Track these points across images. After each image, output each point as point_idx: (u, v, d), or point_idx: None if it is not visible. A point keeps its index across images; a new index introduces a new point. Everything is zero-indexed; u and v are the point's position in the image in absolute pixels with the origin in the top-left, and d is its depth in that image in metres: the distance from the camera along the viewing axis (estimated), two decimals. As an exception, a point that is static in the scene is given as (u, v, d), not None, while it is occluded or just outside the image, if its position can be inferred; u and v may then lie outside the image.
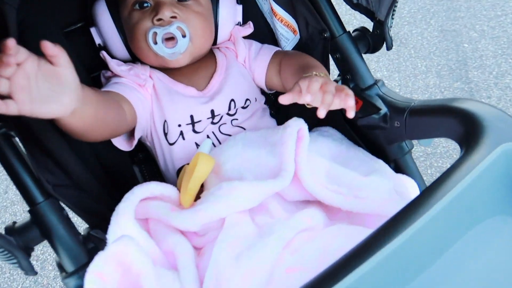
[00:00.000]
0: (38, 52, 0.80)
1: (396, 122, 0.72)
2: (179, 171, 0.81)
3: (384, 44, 0.78)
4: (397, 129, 0.73)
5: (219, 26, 0.87)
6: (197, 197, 0.72)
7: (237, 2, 0.90)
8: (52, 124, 0.72)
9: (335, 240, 0.61)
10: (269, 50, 0.89)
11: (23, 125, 0.65)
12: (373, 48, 0.80)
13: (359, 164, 0.75)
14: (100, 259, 0.53)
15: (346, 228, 0.63)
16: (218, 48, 0.91)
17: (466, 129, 0.58)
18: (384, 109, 0.75)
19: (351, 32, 0.82)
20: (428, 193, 0.48)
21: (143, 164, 0.92)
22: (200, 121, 0.80)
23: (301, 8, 0.83)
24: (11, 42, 0.46)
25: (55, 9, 0.84)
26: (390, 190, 0.69)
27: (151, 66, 0.84)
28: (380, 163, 0.76)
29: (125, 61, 0.86)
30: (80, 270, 0.61)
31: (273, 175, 0.67)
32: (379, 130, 0.77)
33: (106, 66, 0.89)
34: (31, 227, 0.62)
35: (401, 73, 1.96)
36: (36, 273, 0.61)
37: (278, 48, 0.90)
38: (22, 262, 0.58)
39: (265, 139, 0.74)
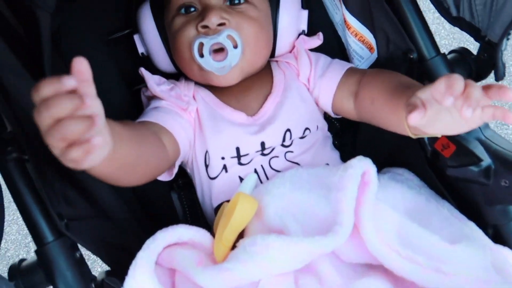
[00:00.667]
0: (75, 55, 0.74)
1: (504, 181, 0.54)
2: (218, 208, 0.69)
3: (493, 72, 0.60)
4: (505, 189, 0.55)
5: (278, 35, 0.73)
6: (234, 245, 0.60)
7: (302, 7, 0.76)
8: None
9: None
10: (340, 66, 0.73)
11: (40, 147, 0.57)
12: (477, 76, 0.62)
13: (443, 224, 0.60)
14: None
15: None
16: (276, 61, 0.77)
17: None
18: (487, 161, 0.57)
19: (446, 54, 0.64)
20: None
21: (183, 191, 0.82)
22: (247, 154, 0.67)
23: (382, 21, 0.67)
24: None
25: (98, 14, 0.77)
26: (487, 267, 0.54)
27: (196, 82, 0.73)
28: (473, 227, 0.60)
29: (169, 74, 0.76)
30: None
31: (324, 228, 0.54)
32: (476, 185, 0.59)
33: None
34: (36, 270, 0.53)
35: None
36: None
37: (351, 65, 0.74)
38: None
39: (320, 179, 0.60)
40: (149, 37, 0.73)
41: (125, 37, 0.78)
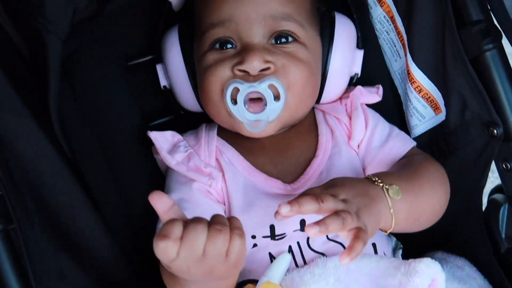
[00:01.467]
0: (86, 91, 0.63)
1: None
2: (240, 285, 0.58)
3: None
4: None
5: (327, 79, 0.61)
6: None
7: (357, 46, 0.64)
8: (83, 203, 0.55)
9: None
10: (403, 142, 0.61)
11: (35, 215, 0.48)
12: None
13: None
14: None
15: None
16: (322, 112, 0.64)
17: None
18: None
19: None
20: None
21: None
22: (283, 234, 0.55)
23: (461, 84, 0.55)
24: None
25: (117, 36, 0.66)
26: None
27: (219, 132, 0.62)
28: None
29: (193, 113, 0.66)
30: None
31: None
32: None
33: (168, 114, 0.69)
34: None
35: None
36: None
37: (414, 143, 0.61)
38: None
39: (374, 279, 0.49)
40: (174, 70, 0.62)
41: (147, 64, 0.67)
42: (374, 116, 0.62)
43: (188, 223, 0.39)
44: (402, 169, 0.56)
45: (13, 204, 0.47)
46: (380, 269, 0.50)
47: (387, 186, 0.49)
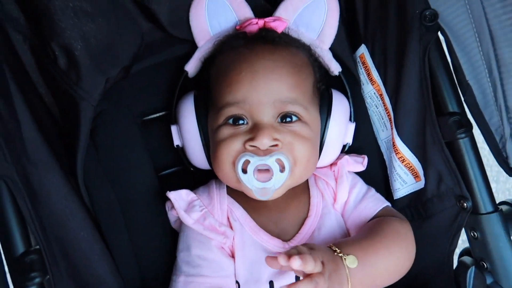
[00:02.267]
0: (108, 150, 0.69)
1: None
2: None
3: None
4: None
5: (324, 148, 0.69)
6: None
7: (350, 119, 0.73)
8: (101, 252, 0.60)
9: None
10: (375, 202, 0.68)
11: (68, 257, 0.53)
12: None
13: None
14: None
15: None
16: (315, 177, 0.72)
17: None
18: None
19: (501, 207, 0.62)
20: None
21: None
22: None
23: (437, 160, 0.64)
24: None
25: (136, 96, 0.73)
26: None
27: (228, 190, 0.68)
28: None
29: (201, 170, 0.72)
30: None
31: None
32: None
33: (178, 163, 0.76)
34: None
35: None
36: None
37: (387, 204, 0.69)
38: None
39: None
40: (188, 134, 0.68)
41: (160, 119, 0.74)
42: (354, 178, 0.70)
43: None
44: (365, 234, 0.63)
45: (48, 256, 0.51)
46: None
47: (345, 257, 0.56)
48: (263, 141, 0.60)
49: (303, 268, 0.50)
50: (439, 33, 0.63)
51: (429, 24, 0.62)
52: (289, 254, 0.50)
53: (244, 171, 0.61)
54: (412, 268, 0.64)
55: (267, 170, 0.61)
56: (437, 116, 0.63)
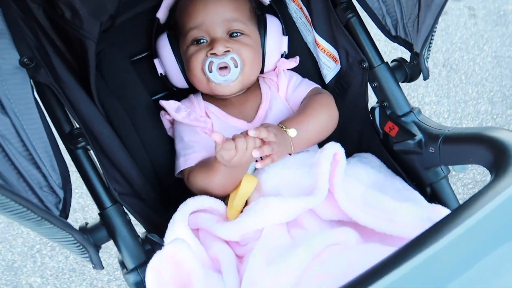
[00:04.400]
0: (110, 76, 0.94)
1: (431, 148, 0.76)
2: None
3: (421, 75, 0.83)
4: (432, 155, 0.76)
5: (266, 57, 0.95)
6: (242, 211, 0.80)
7: (283, 33, 0.99)
8: (119, 144, 0.85)
9: (366, 256, 0.64)
10: (306, 86, 0.95)
11: (98, 142, 0.77)
12: (410, 78, 0.85)
13: (395, 192, 0.79)
14: (158, 257, 0.62)
15: (378, 247, 0.66)
16: (263, 78, 0.98)
17: (496, 156, 0.61)
18: (419, 135, 0.79)
19: (389, 62, 0.87)
20: (455, 214, 0.52)
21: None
22: None
23: (342, 40, 0.90)
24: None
25: (125, 41, 0.98)
26: (424, 219, 0.72)
27: (203, 97, 0.94)
28: (416, 194, 0.79)
29: (182, 90, 0.97)
30: (139, 267, 0.71)
31: (307, 193, 0.73)
32: (415, 155, 0.81)
33: (166, 89, 1.01)
34: (100, 228, 0.72)
35: (450, 98, 1.95)
36: (103, 267, 0.71)
37: (315, 86, 0.95)
38: (93, 256, 0.68)
39: (303, 161, 0.81)
40: (167, 62, 0.94)
41: (146, 58, 0.99)
42: (290, 73, 0.97)
43: (235, 139, 0.71)
44: (300, 111, 0.88)
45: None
46: (307, 155, 0.82)
47: (287, 130, 0.79)
48: (219, 48, 0.86)
49: (259, 135, 0.73)
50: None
51: None
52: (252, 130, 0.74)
53: (211, 71, 0.86)
54: (343, 124, 0.90)
55: (225, 68, 0.87)
56: (334, 8, 0.89)
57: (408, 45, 0.85)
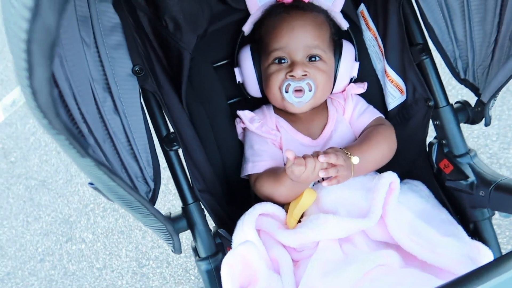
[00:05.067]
0: (197, 83, 1.05)
1: (482, 192, 0.83)
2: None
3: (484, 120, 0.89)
4: (482, 198, 0.83)
5: (336, 80, 1.03)
6: (299, 220, 0.91)
7: (355, 59, 1.06)
8: (199, 145, 0.97)
9: (407, 279, 0.73)
10: (370, 114, 1.02)
11: (184, 143, 0.90)
12: (472, 121, 0.91)
13: (440, 223, 0.86)
14: (232, 255, 0.74)
15: (418, 273, 0.75)
16: (331, 99, 1.06)
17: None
18: (472, 178, 0.86)
19: (453, 104, 0.94)
20: (498, 261, 0.53)
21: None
22: None
23: (412, 76, 0.97)
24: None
25: (210, 49, 1.07)
26: (464, 254, 0.77)
27: (275, 110, 1.03)
28: (459, 229, 0.85)
29: (255, 98, 1.07)
30: (210, 257, 0.83)
31: (362, 215, 0.82)
32: (465, 194, 0.88)
33: (240, 95, 1.11)
34: (181, 219, 0.85)
35: (502, 121, 1.94)
36: (181, 252, 0.84)
37: (379, 115, 1.02)
38: (175, 243, 0.81)
39: (362, 184, 0.89)
40: (247, 72, 1.03)
41: (226, 64, 1.10)
42: (358, 99, 1.05)
43: (306, 158, 0.79)
44: (362, 139, 0.96)
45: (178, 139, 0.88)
46: (365, 179, 0.91)
47: (351, 156, 0.86)
48: (298, 72, 0.95)
49: (329, 161, 0.80)
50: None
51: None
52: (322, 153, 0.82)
53: (287, 91, 0.96)
54: (398, 151, 0.98)
55: (300, 90, 0.96)
56: (409, 46, 0.95)
57: (474, 89, 0.90)
